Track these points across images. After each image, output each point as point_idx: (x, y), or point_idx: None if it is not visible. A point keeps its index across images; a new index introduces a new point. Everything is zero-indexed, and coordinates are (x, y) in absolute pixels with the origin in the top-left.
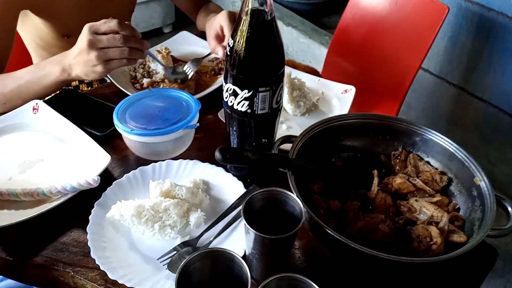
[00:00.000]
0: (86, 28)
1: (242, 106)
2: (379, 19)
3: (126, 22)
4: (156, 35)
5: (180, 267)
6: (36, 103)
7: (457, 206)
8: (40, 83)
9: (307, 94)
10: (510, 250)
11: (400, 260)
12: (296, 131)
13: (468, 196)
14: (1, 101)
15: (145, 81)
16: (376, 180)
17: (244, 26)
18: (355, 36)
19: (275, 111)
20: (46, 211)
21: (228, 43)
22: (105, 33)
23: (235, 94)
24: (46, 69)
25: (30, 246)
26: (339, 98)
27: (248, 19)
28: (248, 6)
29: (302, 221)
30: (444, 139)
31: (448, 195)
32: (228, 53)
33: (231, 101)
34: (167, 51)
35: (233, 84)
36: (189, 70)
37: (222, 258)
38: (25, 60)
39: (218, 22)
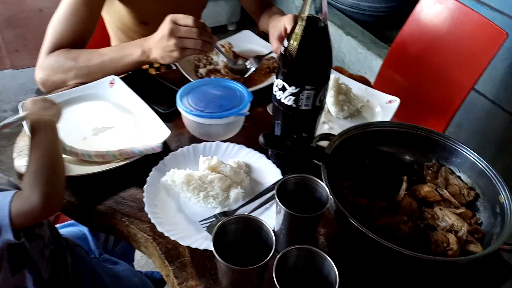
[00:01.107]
0: (168, 18)
1: (288, 101)
2: (436, 36)
3: (200, 20)
4: (221, 31)
5: (217, 226)
6: (113, 78)
7: (480, 221)
8: (121, 61)
9: (352, 100)
10: None
11: (413, 255)
12: (337, 133)
13: (492, 213)
14: (85, 73)
15: (205, 70)
16: (404, 185)
17: (299, 30)
18: (410, 51)
19: (318, 108)
20: (113, 169)
21: (283, 43)
22: (183, 26)
23: (283, 89)
24: (128, 49)
25: (95, 196)
26: (383, 107)
27: (304, 24)
28: (305, 13)
29: (327, 206)
30: (476, 156)
31: (473, 210)
32: (282, 52)
33: (279, 95)
34: (229, 46)
35: (283, 80)
36: (250, 65)
37: (253, 224)
38: (105, 41)
39: (282, 24)
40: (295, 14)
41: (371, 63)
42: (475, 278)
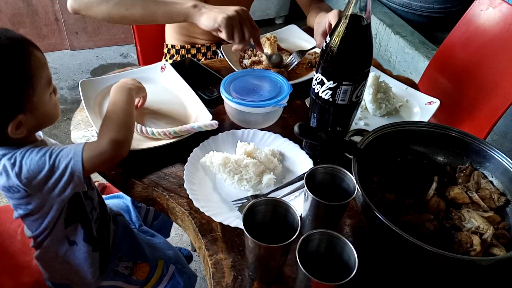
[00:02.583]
0: (242, 7)
1: (325, 95)
2: (487, 41)
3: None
4: (269, 25)
5: (248, 205)
6: (165, 64)
7: (508, 226)
8: (171, 3)
9: (390, 98)
10: None
11: (433, 250)
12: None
13: None
14: (130, 4)
15: (249, 61)
16: (434, 185)
17: (342, 27)
18: (458, 55)
19: (354, 104)
20: (160, 146)
21: (326, 39)
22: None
23: (322, 83)
24: (186, 3)
25: (141, 170)
26: (422, 108)
27: (347, 22)
28: (349, 11)
29: (353, 196)
30: (510, 162)
31: (502, 215)
32: (324, 47)
33: (317, 89)
34: (274, 39)
35: (322, 75)
36: (293, 60)
37: (281, 207)
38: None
39: (327, 20)
40: (341, 10)
41: (418, 64)
42: (499, 283)
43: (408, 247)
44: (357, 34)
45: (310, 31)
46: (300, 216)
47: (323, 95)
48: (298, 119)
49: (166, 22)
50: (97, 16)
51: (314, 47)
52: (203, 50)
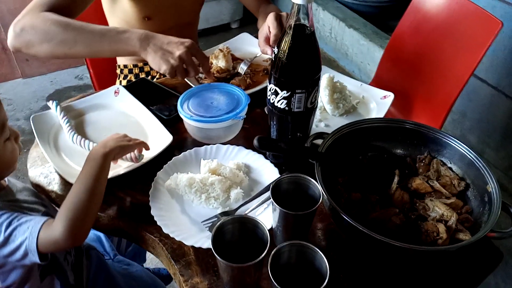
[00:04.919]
0: (190, 41)
1: (281, 104)
2: (434, 27)
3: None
4: (224, 30)
5: (216, 226)
6: (118, 88)
7: (470, 210)
8: (113, 40)
9: (347, 97)
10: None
11: (402, 245)
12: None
13: (481, 202)
14: (70, 42)
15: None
16: (396, 179)
17: (287, 37)
18: (409, 43)
19: (310, 110)
20: (120, 174)
21: (274, 50)
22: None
23: (276, 93)
24: (125, 34)
25: (105, 201)
26: (378, 103)
27: (291, 32)
28: (292, 21)
29: (319, 203)
30: (465, 148)
31: (464, 199)
32: (273, 58)
33: (272, 99)
34: (227, 50)
35: (275, 85)
36: (241, 69)
37: (249, 224)
38: None
39: (266, 25)
40: (278, 12)
41: (374, 54)
42: (468, 265)
43: (377, 245)
44: (303, 43)
45: None
46: (271, 227)
47: (278, 105)
48: (260, 128)
49: (113, 56)
50: (39, 55)
51: (260, 54)
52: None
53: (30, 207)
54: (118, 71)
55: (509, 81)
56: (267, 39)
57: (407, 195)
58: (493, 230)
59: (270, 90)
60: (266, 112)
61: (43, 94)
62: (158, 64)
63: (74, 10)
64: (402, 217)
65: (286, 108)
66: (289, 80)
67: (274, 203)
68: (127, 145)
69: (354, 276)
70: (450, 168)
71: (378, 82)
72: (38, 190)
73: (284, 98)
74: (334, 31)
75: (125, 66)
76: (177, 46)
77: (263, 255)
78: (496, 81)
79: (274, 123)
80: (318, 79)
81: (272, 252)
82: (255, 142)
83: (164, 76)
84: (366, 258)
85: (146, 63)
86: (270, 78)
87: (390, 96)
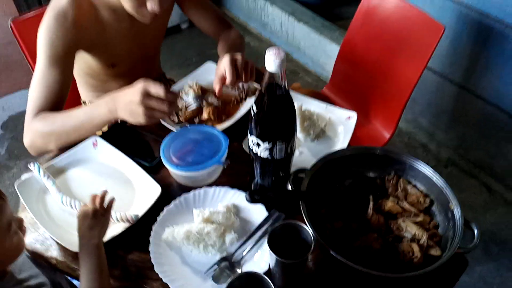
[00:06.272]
0: (140, 88)
1: (264, 154)
2: (383, 31)
3: (170, 90)
4: (176, 32)
5: (228, 283)
6: (96, 139)
7: (437, 224)
8: (92, 122)
9: (315, 123)
10: (503, 236)
11: (384, 275)
12: (307, 156)
13: (445, 217)
14: (64, 137)
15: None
16: (371, 204)
17: (264, 98)
18: (360, 47)
19: (290, 155)
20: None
21: (252, 107)
22: (153, 96)
23: (258, 145)
24: (97, 110)
25: (108, 261)
26: (344, 124)
27: (266, 93)
28: (265, 83)
29: (311, 249)
30: (427, 168)
31: (430, 214)
32: (253, 116)
33: (255, 150)
34: (197, 86)
35: (257, 137)
36: (191, 104)
37: (256, 278)
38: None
39: (223, 67)
40: (232, 56)
41: (326, 47)
42: (436, 273)
43: (361, 274)
44: (279, 101)
45: None
46: (269, 268)
47: (261, 154)
48: (239, 163)
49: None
50: (55, 148)
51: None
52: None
53: (36, 285)
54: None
55: (453, 68)
56: (222, 79)
57: (382, 218)
58: (459, 247)
59: (252, 141)
60: (244, 148)
61: None
62: (134, 120)
63: (61, 98)
64: (381, 241)
65: (269, 157)
66: (269, 134)
67: (272, 253)
68: (106, 221)
69: None
70: (415, 186)
71: (335, 85)
72: (36, 257)
73: (266, 148)
74: (285, 26)
75: (90, 103)
76: (133, 96)
77: None
78: (441, 69)
79: (258, 168)
80: (295, 129)
81: None
82: (246, 197)
83: None
84: (354, 283)
85: None
86: (251, 130)
87: (353, 116)
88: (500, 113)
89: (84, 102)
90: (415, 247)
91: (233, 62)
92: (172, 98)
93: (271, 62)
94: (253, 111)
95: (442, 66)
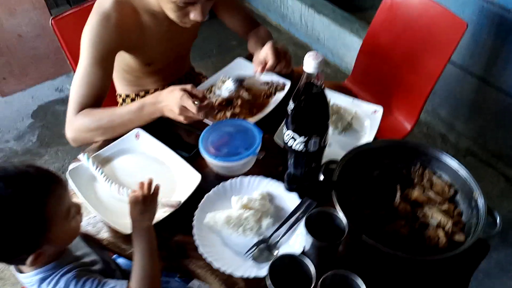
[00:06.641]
0: (178, 98)
1: (299, 147)
2: (406, 27)
3: (204, 104)
4: None
5: (270, 263)
6: (138, 132)
7: (461, 212)
8: (141, 119)
9: (343, 116)
10: None
11: (411, 257)
12: (335, 148)
13: (469, 205)
14: (110, 131)
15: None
16: (398, 193)
17: (302, 95)
18: (383, 40)
19: (322, 148)
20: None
21: (289, 104)
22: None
23: (294, 138)
24: (145, 110)
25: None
26: (370, 118)
27: (305, 91)
28: (303, 82)
29: (345, 234)
30: (452, 160)
31: (454, 203)
32: (290, 112)
33: (290, 143)
34: (230, 81)
35: (293, 132)
36: (230, 88)
37: (296, 260)
38: None
39: (265, 50)
40: (273, 43)
41: (345, 39)
42: (460, 257)
43: (390, 257)
44: (316, 99)
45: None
46: (303, 251)
47: (296, 147)
48: (272, 154)
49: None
50: (89, 142)
51: (250, 77)
52: None
53: (90, 262)
54: (119, 100)
55: (473, 61)
56: (261, 63)
57: (408, 206)
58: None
59: (288, 135)
60: (276, 142)
61: (27, 112)
62: (173, 117)
63: (103, 95)
64: (408, 228)
65: (304, 150)
66: (306, 129)
67: (309, 234)
68: (154, 206)
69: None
70: (440, 176)
71: (356, 78)
72: (88, 238)
73: (302, 142)
74: (304, 18)
75: (127, 96)
76: (173, 107)
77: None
78: (461, 61)
79: (292, 159)
80: (328, 125)
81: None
82: (285, 185)
83: None
84: (381, 263)
85: (147, 91)
86: (287, 125)
87: (379, 110)
88: None
89: (120, 95)
90: (441, 233)
91: (275, 47)
92: (205, 109)
93: (310, 64)
94: (290, 108)
95: (463, 58)
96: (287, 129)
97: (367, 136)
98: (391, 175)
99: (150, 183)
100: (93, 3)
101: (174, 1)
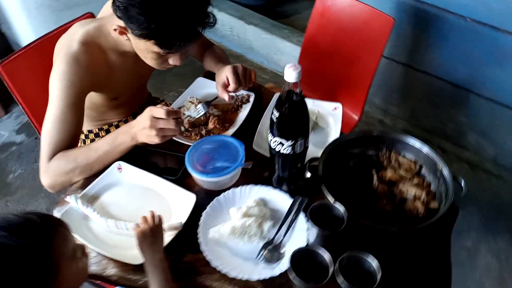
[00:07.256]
0: (146, 112)
1: (286, 151)
2: (340, 28)
3: (174, 110)
4: None
5: (290, 255)
6: (119, 164)
7: (429, 183)
8: (116, 150)
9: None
10: None
11: (404, 229)
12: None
13: (435, 176)
14: (88, 169)
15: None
16: (375, 177)
17: (285, 103)
18: (321, 45)
19: (306, 148)
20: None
21: (273, 113)
22: (159, 118)
23: (282, 144)
24: (119, 139)
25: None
26: (332, 115)
27: (287, 99)
28: (285, 91)
29: (345, 223)
30: (414, 140)
31: (421, 176)
32: (275, 120)
33: (278, 148)
34: (197, 100)
35: (280, 138)
36: (199, 110)
37: (312, 251)
38: None
39: (224, 74)
40: (233, 65)
41: (278, 45)
42: (438, 222)
43: (376, 231)
44: (298, 105)
45: (211, 74)
46: (307, 242)
47: (284, 151)
48: (254, 163)
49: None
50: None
51: (216, 97)
52: (122, 125)
53: None
54: (82, 136)
55: (397, 50)
56: (224, 86)
57: (386, 186)
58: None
59: (275, 142)
60: (255, 149)
61: None
62: (151, 141)
63: (76, 138)
64: (390, 204)
65: (291, 153)
66: (292, 133)
67: (314, 225)
68: (161, 235)
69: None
70: (404, 156)
71: (301, 80)
72: (94, 278)
73: (289, 146)
74: (235, 29)
75: (90, 131)
76: (144, 123)
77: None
78: (387, 52)
79: (280, 162)
80: (309, 126)
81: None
82: (284, 189)
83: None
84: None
85: (110, 124)
86: (273, 132)
87: (339, 107)
88: (444, 83)
89: (82, 132)
90: (418, 204)
91: (235, 70)
92: (174, 115)
93: (290, 75)
94: (276, 116)
95: (388, 49)
96: (274, 136)
97: (334, 131)
98: (364, 162)
99: (153, 215)
100: (36, 45)
101: (158, 51)
